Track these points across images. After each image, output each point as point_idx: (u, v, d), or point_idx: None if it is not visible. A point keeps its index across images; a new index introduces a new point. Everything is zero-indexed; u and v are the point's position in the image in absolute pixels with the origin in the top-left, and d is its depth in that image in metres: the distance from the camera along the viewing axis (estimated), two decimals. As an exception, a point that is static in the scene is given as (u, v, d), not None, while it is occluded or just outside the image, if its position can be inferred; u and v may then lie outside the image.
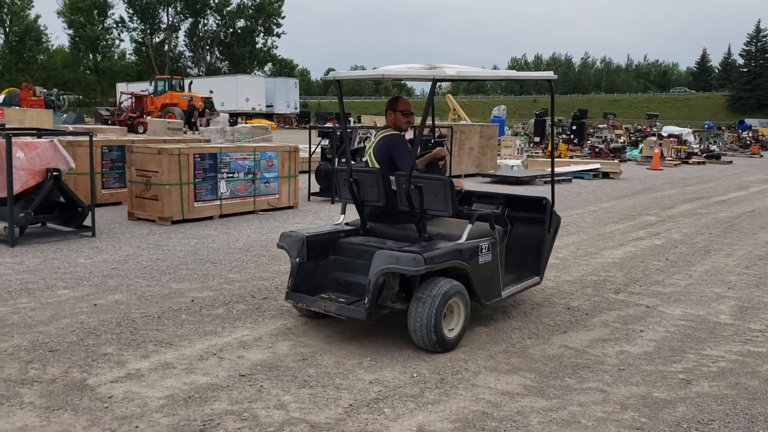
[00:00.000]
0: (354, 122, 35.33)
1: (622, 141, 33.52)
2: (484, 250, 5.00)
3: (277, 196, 10.99)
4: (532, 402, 3.98)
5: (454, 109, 36.62)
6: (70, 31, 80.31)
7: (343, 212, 5.67)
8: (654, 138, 30.11)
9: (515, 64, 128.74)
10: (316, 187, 12.78)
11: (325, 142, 13.04)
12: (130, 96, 35.33)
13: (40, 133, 9.29)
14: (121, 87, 49.72)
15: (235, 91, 49.60)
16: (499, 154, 22.12)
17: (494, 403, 3.94)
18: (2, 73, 73.67)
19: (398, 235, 5.20)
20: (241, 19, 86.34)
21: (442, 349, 4.64)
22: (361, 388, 4.08)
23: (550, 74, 5.71)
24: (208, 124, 29.19)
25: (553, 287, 6.67)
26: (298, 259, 5.05)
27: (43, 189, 8.02)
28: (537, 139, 31.83)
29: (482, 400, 3.98)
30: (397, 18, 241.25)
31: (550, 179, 16.79)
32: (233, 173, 10.20)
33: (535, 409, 3.89)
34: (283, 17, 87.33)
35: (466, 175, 17.83)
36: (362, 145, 18.06)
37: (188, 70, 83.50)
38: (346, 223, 5.54)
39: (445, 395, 4.03)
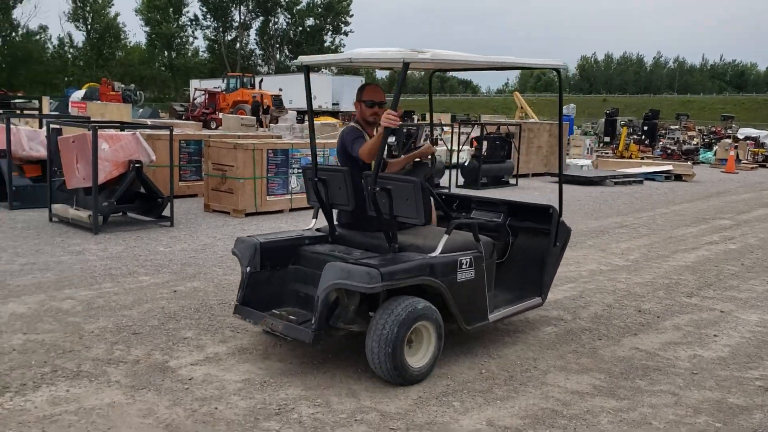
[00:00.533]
0: (417, 120, 35.32)
1: (695, 143, 32.50)
2: (464, 266, 4.32)
3: (346, 191, 11.13)
4: (602, 402, 3.97)
5: (522, 107, 36.22)
6: (147, 29, 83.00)
7: (315, 216, 5.01)
8: (729, 140, 29.08)
9: (585, 62, 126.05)
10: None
11: (392, 139, 13.13)
12: (203, 92, 36.23)
13: (123, 126, 9.70)
14: (194, 83, 50.99)
15: (303, 89, 50.30)
16: (567, 154, 21.79)
17: (564, 402, 3.95)
18: (83, 68, 76.74)
19: (369, 244, 4.57)
20: (311, 18, 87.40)
21: (403, 381, 4.01)
22: (429, 381, 4.14)
23: (559, 62, 4.85)
24: (276, 121, 29.75)
25: (624, 289, 6.58)
26: (249, 269, 4.51)
27: (125, 180, 8.39)
28: (607, 138, 31.27)
29: (551, 398, 4.00)
30: (461, 16, 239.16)
31: (621, 180, 16.55)
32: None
33: (606, 409, 3.87)
34: (351, 15, 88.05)
35: (534, 174, 17.65)
36: (426, 142, 18.11)
37: (258, 67, 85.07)
38: (317, 229, 4.92)
39: (514, 392, 4.06)
